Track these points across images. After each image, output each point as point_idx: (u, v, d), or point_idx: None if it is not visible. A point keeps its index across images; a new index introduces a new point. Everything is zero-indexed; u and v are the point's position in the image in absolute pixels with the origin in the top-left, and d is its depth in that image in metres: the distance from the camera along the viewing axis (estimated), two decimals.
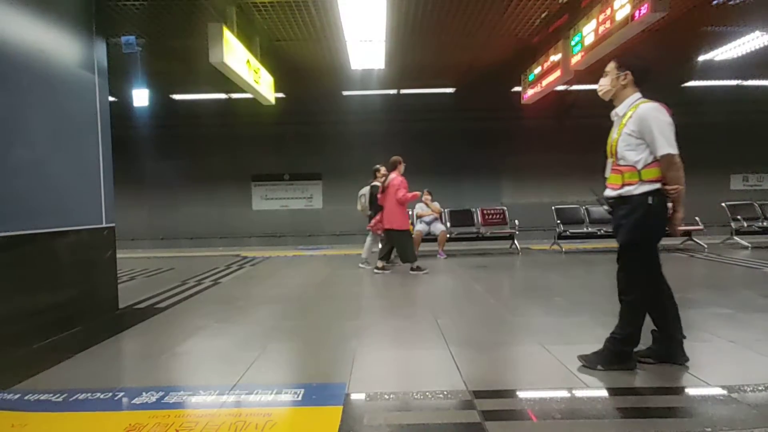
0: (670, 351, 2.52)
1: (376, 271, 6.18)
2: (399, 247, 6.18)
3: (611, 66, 2.56)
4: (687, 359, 2.50)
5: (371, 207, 6.64)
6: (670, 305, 2.53)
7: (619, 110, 2.53)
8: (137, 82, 8.13)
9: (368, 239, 6.85)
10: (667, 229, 2.45)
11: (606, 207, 2.60)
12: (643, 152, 2.36)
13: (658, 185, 2.35)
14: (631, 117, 2.40)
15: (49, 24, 3.49)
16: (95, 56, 3.98)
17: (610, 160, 2.56)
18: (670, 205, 2.42)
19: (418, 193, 6.15)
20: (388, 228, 6.09)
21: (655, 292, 2.50)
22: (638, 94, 2.49)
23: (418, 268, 6.03)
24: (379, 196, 6.25)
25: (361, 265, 6.65)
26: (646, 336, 2.54)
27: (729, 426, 1.85)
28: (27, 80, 3.26)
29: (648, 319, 2.53)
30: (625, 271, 2.50)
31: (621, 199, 2.45)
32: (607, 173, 2.58)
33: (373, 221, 6.45)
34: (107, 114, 4.09)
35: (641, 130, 2.34)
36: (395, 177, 6.07)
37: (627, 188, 2.40)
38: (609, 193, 2.53)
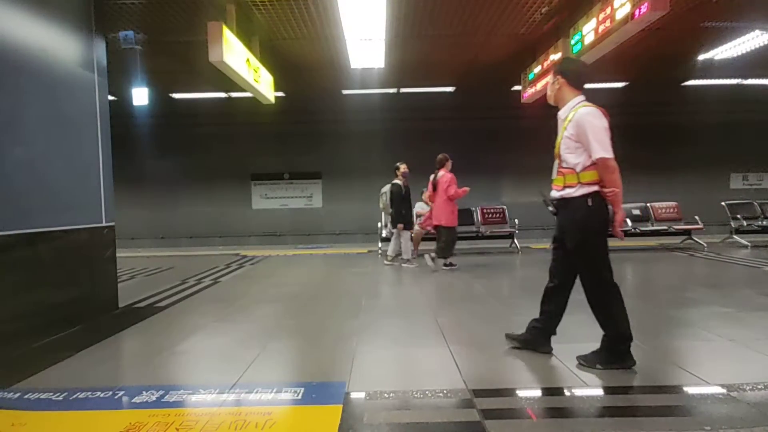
0: (540, 341, 2.71)
1: (445, 267, 6.30)
2: (443, 242, 6.27)
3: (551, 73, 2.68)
4: (634, 362, 2.49)
5: (392, 205, 6.66)
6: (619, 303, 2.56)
7: (561, 113, 2.63)
8: (137, 81, 8.13)
9: (403, 238, 6.80)
10: (610, 230, 2.49)
11: (551, 208, 2.67)
12: (581, 155, 2.44)
13: (596, 188, 2.42)
14: (570, 121, 2.47)
15: (48, 22, 3.48)
16: (95, 55, 3.97)
17: (556, 162, 2.64)
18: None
19: (467, 188, 6.18)
20: (437, 224, 6.22)
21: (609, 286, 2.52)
22: (579, 98, 2.56)
23: (451, 264, 6.23)
24: (428, 193, 6.37)
25: (404, 264, 6.68)
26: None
27: (728, 424, 1.85)
28: (26, 79, 3.26)
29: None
30: (584, 275, 2.54)
31: (563, 201, 2.53)
32: (554, 175, 2.65)
33: (424, 218, 6.67)
34: (107, 113, 4.09)
35: (578, 134, 2.42)
36: (445, 174, 6.17)
37: (567, 190, 2.48)
38: (553, 194, 2.61)
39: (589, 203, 2.41)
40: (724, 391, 2.17)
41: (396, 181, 6.70)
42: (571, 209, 2.47)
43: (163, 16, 6.97)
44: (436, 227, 6.31)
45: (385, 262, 6.71)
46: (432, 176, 6.31)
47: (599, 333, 2.70)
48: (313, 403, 2.17)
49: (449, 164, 6.24)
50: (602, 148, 2.35)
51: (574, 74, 2.59)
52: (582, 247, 2.48)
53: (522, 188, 12.84)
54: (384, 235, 8.04)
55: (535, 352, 2.77)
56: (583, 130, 2.39)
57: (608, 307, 2.51)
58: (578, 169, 2.44)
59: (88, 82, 3.91)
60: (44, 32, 3.45)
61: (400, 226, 6.63)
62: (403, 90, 11.71)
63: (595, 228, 2.46)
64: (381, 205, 7.20)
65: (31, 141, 3.28)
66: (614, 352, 2.51)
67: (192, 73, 9.38)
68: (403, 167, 6.64)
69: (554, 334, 2.78)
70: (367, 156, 12.61)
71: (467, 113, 11.91)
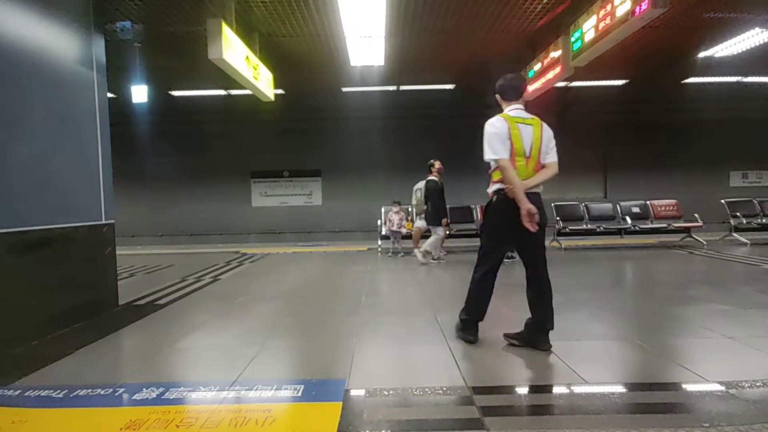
0: (536, 338, 2.81)
1: (506, 261, 6.47)
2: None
3: None
4: (550, 346, 2.77)
5: (426, 201, 6.71)
6: (546, 294, 2.82)
7: None
8: (136, 78, 8.10)
9: (436, 234, 6.82)
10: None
11: None
12: None
13: (499, 185, 2.76)
14: None
15: (47, 20, 3.47)
16: (94, 52, 3.96)
17: None
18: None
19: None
20: None
21: (530, 278, 2.86)
22: (507, 108, 2.88)
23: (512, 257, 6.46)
24: None
25: (432, 260, 6.74)
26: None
27: (727, 421, 1.86)
28: (25, 77, 3.25)
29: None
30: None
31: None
32: None
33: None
34: (106, 110, 4.08)
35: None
36: None
37: (490, 187, 2.86)
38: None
39: (493, 199, 2.81)
40: (723, 388, 2.17)
41: (431, 177, 6.79)
42: (489, 202, 2.87)
43: (162, 12, 6.94)
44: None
45: (422, 260, 6.73)
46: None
47: (598, 330, 2.71)
48: (312, 400, 2.18)
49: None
50: (490, 151, 2.73)
51: (501, 88, 2.92)
52: (482, 231, 2.96)
53: None
54: (383, 233, 8.04)
55: (536, 349, 2.77)
56: (484, 137, 2.78)
57: (468, 293, 2.94)
58: (491, 170, 2.82)
59: (87, 79, 3.90)
60: (43, 29, 3.44)
61: (445, 220, 6.76)
62: (402, 87, 11.69)
63: (489, 222, 2.88)
64: (414, 201, 7.27)
65: (29, 139, 3.28)
66: (460, 329, 3.01)
67: (191, 71, 9.36)
68: (437, 164, 6.78)
69: (551, 328, 2.80)
70: (366, 153, 12.61)
71: (467, 111, 11.88)
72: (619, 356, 2.76)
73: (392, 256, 7.52)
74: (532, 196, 2.66)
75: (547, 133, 2.82)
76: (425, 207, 6.80)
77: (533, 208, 2.57)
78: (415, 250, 6.68)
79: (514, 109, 2.84)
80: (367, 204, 11.31)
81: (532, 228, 2.60)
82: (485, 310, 2.94)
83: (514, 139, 2.70)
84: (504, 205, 2.71)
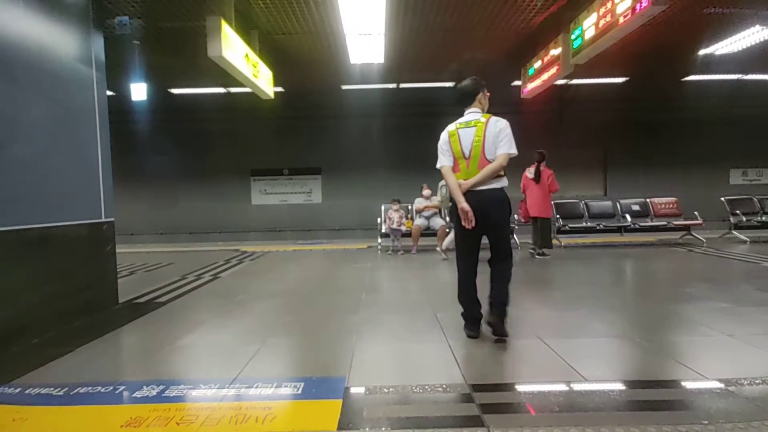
0: (490, 320, 2.98)
1: (538, 256, 6.67)
2: (545, 233, 6.79)
3: None
4: (472, 335, 3.00)
5: (452, 199, 6.81)
6: (497, 276, 3.05)
7: None
8: (135, 76, 8.10)
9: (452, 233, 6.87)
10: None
11: None
12: None
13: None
14: None
15: (46, 17, 3.46)
16: (93, 50, 3.95)
17: None
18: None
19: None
20: (536, 216, 6.71)
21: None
22: (465, 113, 3.07)
23: (543, 254, 6.72)
24: (528, 186, 6.82)
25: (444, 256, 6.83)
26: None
27: (726, 418, 1.86)
28: (23, 75, 3.24)
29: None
30: None
31: None
32: None
33: (522, 210, 7.05)
34: (105, 108, 4.07)
35: None
36: (546, 169, 6.68)
37: None
38: None
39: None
40: (722, 385, 2.18)
41: None
42: None
43: (161, 5, 6.91)
44: (533, 218, 6.74)
45: (444, 256, 6.82)
46: (533, 169, 6.80)
47: (597, 328, 2.71)
48: (312, 397, 2.18)
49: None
50: (438, 160, 3.10)
51: (456, 99, 3.13)
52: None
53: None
54: (383, 230, 8.04)
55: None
56: None
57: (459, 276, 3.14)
58: None
59: (87, 76, 3.89)
60: (42, 27, 3.43)
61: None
62: (402, 85, 11.67)
63: (450, 215, 3.28)
64: (440, 198, 7.33)
65: (28, 137, 3.27)
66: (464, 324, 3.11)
67: (191, 69, 9.34)
68: None
69: (499, 315, 2.93)
70: (366, 151, 12.60)
71: None
72: (619, 354, 2.77)
73: (392, 254, 7.52)
74: (475, 194, 2.88)
75: (493, 129, 2.89)
76: (450, 204, 6.82)
77: (465, 207, 2.84)
78: (438, 248, 6.87)
79: (469, 113, 3.03)
80: (367, 202, 11.31)
81: (467, 225, 2.86)
82: (474, 302, 3.05)
83: (453, 145, 2.99)
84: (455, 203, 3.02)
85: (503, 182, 2.94)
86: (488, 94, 3.11)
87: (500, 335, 2.90)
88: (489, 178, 2.88)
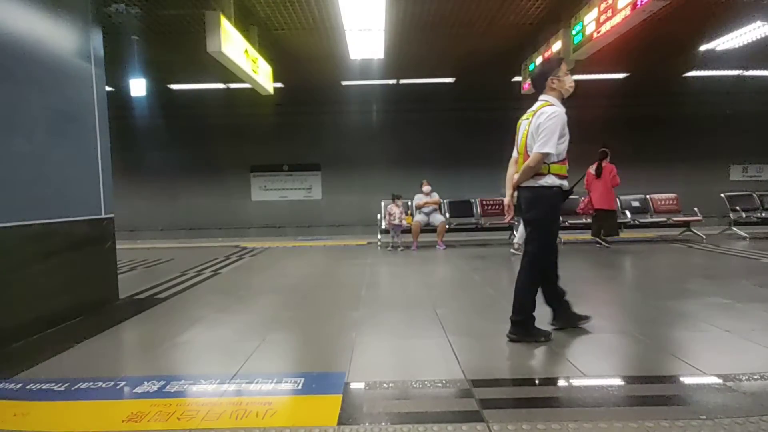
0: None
1: (604, 245, 7.12)
2: (610, 224, 7.31)
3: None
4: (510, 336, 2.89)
5: None
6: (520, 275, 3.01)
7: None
8: (134, 72, 8.07)
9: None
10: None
11: None
12: None
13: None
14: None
15: (44, 13, 3.45)
16: (92, 45, 3.93)
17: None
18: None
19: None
20: (599, 208, 7.16)
21: None
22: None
23: (606, 243, 7.17)
24: (591, 181, 7.22)
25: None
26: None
27: (724, 414, 1.87)
28: (22, 71, 3.23)
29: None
30: None
31: None
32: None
33: (583, 204, 7.36)
34: (104, 104, 4.06)
35: None
36: (608, 165, 7.21)
37: None
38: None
39: None
40: (720, 381, 2.19)
41: None
42: None
43: (160, 6, 6.89)
44: (598, 211, 7.19)
45: (512, 250, 6.82)
46: (594, 165, 7.22)
47: (597, 325, 2.71)
48: (313, 393, 2.19)
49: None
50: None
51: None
52: None
53: None
54: (383, 227, 8.04)
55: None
56: None
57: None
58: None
59: (86, 71, 3.87)
60: (41, 23, 3.41)
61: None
62: (402, 81, 11.64)
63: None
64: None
65: (27, 133, 3.26)
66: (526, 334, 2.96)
67: (190, 64, 9.31)
68: None
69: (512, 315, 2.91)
70: (366, 147, 12.58)
71: (467, 104, 11.85)
72: (618, 349, 2.78)
73: (392, 250, 7.53)
74: (521, 191, 2.85)
75: (535, 122, 2.70)
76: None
77: (505, 201, 2.96)
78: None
79: (538, 101, 2.81)
80: (366, 198, 11.29)
81: (505, 217, 3.01)
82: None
83: (516, 137, 2.92)
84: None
85: (542, 181, 2.71)
86: (564, 74, 2.77)
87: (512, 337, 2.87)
88: (527, 177, 2.74)
